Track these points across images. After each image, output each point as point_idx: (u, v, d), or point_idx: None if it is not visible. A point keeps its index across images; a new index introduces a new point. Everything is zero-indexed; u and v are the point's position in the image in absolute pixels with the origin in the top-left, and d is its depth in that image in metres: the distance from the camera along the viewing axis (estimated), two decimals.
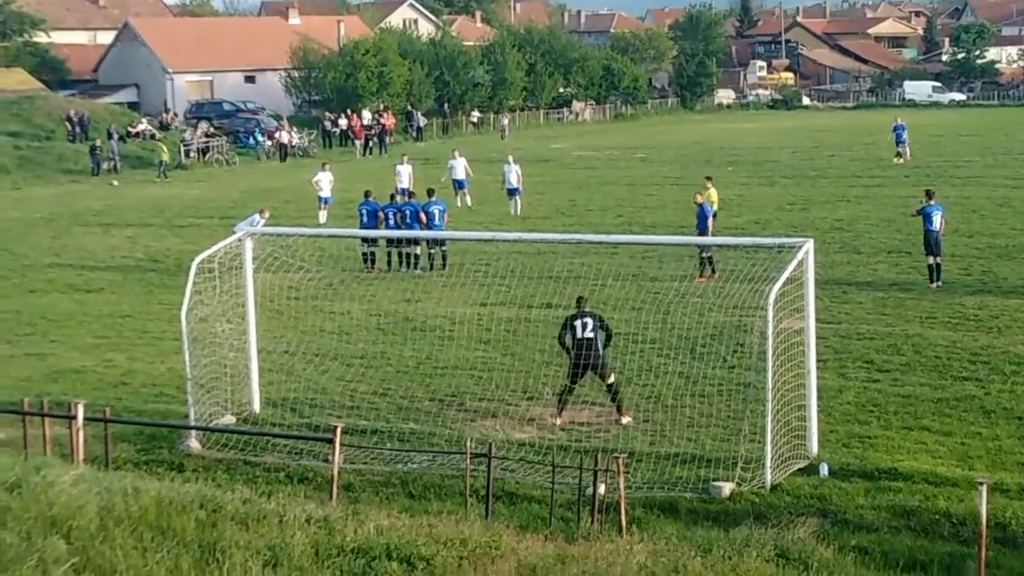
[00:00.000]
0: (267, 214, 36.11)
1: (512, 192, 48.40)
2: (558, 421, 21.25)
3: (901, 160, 63.40)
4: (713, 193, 37.68)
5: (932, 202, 32.65)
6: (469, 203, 50.40)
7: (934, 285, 31.65)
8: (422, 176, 55.63)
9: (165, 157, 72.48)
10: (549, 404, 22.19)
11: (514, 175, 48.30)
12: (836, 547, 15.06)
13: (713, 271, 32.15)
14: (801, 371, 19.23)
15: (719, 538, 14.84)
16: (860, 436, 20.10)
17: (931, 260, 32.13)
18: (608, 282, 29.80)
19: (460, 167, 51.36)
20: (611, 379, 21.43)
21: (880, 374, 23.85)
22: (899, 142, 65.26)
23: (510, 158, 49.80)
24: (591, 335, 21.15)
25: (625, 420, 21.07)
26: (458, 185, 51.04)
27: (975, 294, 30.77)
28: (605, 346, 21.50)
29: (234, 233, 23.15)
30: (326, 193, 46.40)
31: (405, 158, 52.36)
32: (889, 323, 28.10)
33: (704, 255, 32.80)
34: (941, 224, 32.41)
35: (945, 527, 16.30)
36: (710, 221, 34.28)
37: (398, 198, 38.83)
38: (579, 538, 14.56)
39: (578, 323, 21.27)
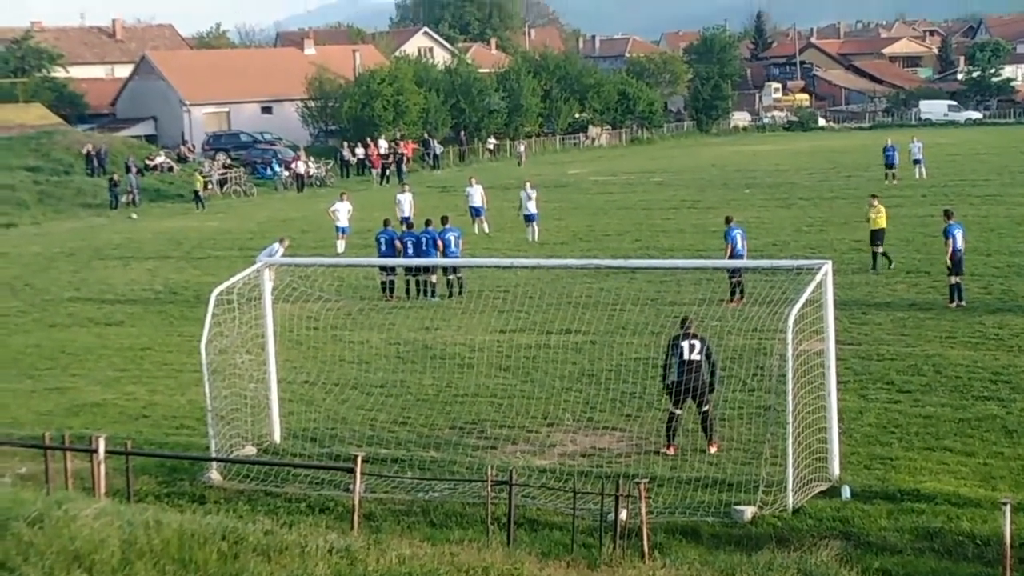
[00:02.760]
0: (286, 243, 36.25)
1: (529, 219, 48.44)
2: (670, 452, 20.66)
3: (896, 181, 63.20)
4: (882, 212, 38.08)
5: (952, 221, 32.71)
6: (487, 230, 50.46)
7: (954, 305, 31.56)
8: (440, 204, 55.84)
9: (199, 187, 72.58)
10: (569, 430, 22.18)
11: (532, 202, 48.35)
12: (859, 570, 15.02)
13: (742, 295, 32.05)
14: (822, 393, 19.18)
15: (742, 562, 14.80)
16: (882, 457, 20.03)
17: (953, 280, 32.05)
18: (627, 307, 29.85)
19: (477, 194, 51.45)
20: (707, 407, 20.80)
21: (901, 395, 23.77)
22: (890, 164, 65.15)
23: (527, 184, 49.85)
24: (697, 357, 20.58)
25: (713, 449, 20.64)
26: (475, 212, 51.13)
27: (995, 313, 30.66)
28: (712, 374, 20.92)
29: (255, 264, 23.19)
30: (343, 223, 46.54)
31: (406, 187, 52.53)
32: (909, 343, 28.01)
33: (734, 279, 32.70)
34: (963, 243, 32.57)
35: (969, 548, 16.21)
36: (739, 245, 34.16)
37: (401, 227, 38.93)
38: (601, 564, 14.53)
39: (685, 344, 20.66)
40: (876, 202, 38.39)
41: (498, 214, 53.54)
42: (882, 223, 37.81)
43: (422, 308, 34.41)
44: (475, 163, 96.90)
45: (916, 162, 66.57)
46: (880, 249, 37.55)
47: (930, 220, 43.87)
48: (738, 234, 34.42)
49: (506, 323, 29.69)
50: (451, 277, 36.39)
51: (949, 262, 32.24)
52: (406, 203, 47.60)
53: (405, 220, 42.40)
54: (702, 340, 20.91)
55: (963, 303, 31.61)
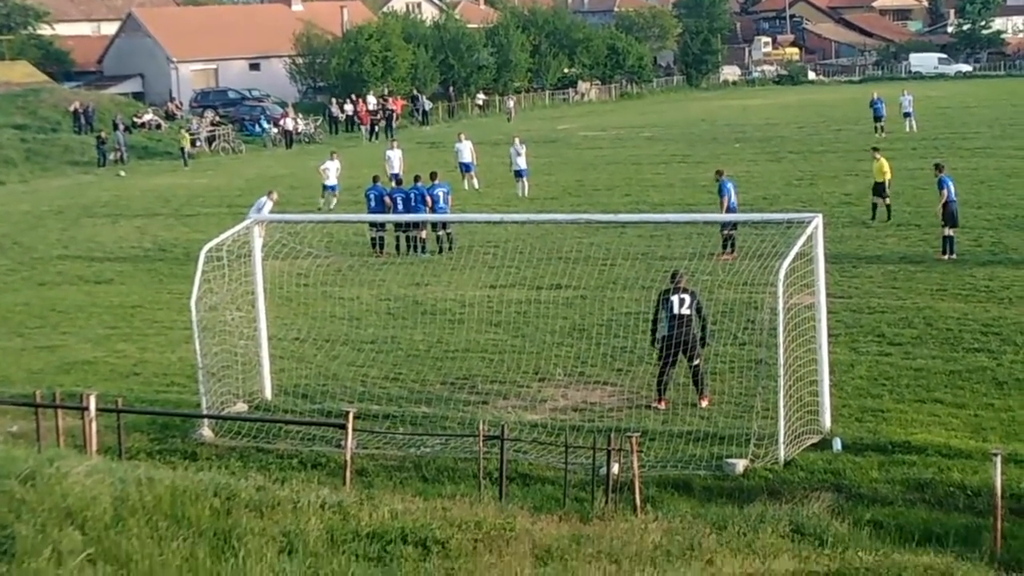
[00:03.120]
0: (275, 196, 36.32)
1: (519, 174, 48.33)
2: (661, 406, 20.68)
3: (884, 135, 63.12)
4: (884, 164, 38.08)
5: (943, 174, 32.85)
6: (476, 186, 50.35)
7: (946, 257, 31.66)
8: (429, 160, 55.71)
9: (186, 144, 72.56)
10: (560, 384, 22.20)
11: (521, 157, 48.22)
12: (851, 521, 15.07)
13: (733, 248, 32.00)
14: (812, 346, 19.21)
15: (734, 515, 14.84)
16: (873, 410, 20.08)
17: (947, 231, 32.13)
18: (618, 261, 29.84)
19: (466, 150, 51.28)
20: (697, 361, 20.75)
21: (892, 347, 23.81)
22: (878, 117, 65.09)
23: (516, 140, 49.73)
24: (688, 311, 20.52)
25: (704, 403, 20.65)
26: (465, 168, 50.99)
27: (985, 265, 30.69)
28: (703, 328, 20.84)
29: (244, 220, 23.12)
30: (332, 181, 46.43)
31: (395, 143, 52.33)
32: (900, 296, 28.04)
33: (726, 232, 32.68)
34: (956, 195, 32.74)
35: (960, 499, 16.28)
36: (733, 198, 34.21)
37: (390, 183, 38.83)
38: (594, 518, 14.57)
39: (675, 298, 20.56)
40: (878, 155, 38.48)
41: (487, 170, 53.42)
42: (879, 176, 37.80)
43: (412, 264, 34.40)
44: (464, 119, 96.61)
45: (906, 115, 66.40)
46: (885, 201, 37.70)
47: (920, 173, 43.84)
48: (731, 186, 34.43)
49: (496, 278, 29.67)
50: (440, 233, 36.33)
51: (942, 213, 32.27)
52: (395, 159, 47.43)
53: (394, 176, 42.29)
54: (692, 294, 20.90)
55: (954, 255, 31.64)
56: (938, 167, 33.58)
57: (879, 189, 37.81)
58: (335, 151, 50.25)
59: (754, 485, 17.23)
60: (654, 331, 21.10)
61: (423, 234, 36.15)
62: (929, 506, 16.22)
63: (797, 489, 16.80)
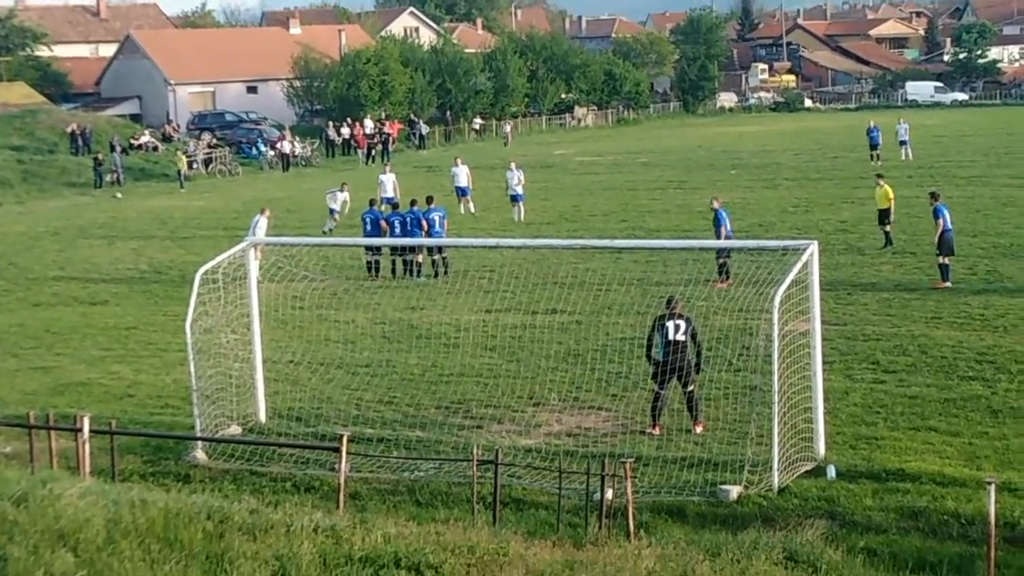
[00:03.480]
0: (268, 213, 36.58)
1: (515, 198, 48.37)
2: (656, 431, 20.69)
3: (879, 163, 63.25)
4: (889, 191, 38.21)
5: (939, 203, 32.87)
6: (472, 210, 50.40)
7: (945, 285, 31.66)
8: (425, 184, 55.75)
9: (183, 167, 72.69)
10: (555, 409, 22.18)
11: (516, 181, 48.26)
12: (845, 549, 15.03)
13: (728, 276, 31.98)
14: (807, 373, 19.20)
15: (727, 541, 14.80)
16: (867, 437, 20.06)
17: (944, 260, 32.15)
18: (613, 287, 29.83)
19: (463, 174, 51.36)
20: (691, 387, 20.80)
21: (886, 375, 23.81)
22: (874, 146, 65.25)
23: (513, 164, 49.80)
24: (683, 338, 20.58)
25: (698, 429, 20.66)
26: (461, 192, 51.05)
27: (980, 293, 30.72)
28: (698, 355, 20.93)
29: (240, 243, 23.11)
30: (336, 207, 46.12)
31: (387, 167, 52.42)
32: (894, 324, 28.05)
33: (721, 260, 32.67)
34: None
35: (954, 527, 16.25)
36: (729, 226, 34.13)
37: (383, 207, 38.81)
38: (587, 544, 14.53)
39: (670, 324, 20.64)
40: (882, 182, 38.59)
41: (483, 194, 53.49)
42: (883, 203, 37.86)
43: (407, 288, 34.38)
44: (461, 143, 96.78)
45: (902, 143, 66.56)
46: (885, 228, 37.86)
47: (915, 201, 43.87)
48: (725, 215, 34.43)
49: (492, 303, 29.67)
50: (436, 257, 36.34)
51: (938, 242, 32.28)
52: (389, 183, 47.44)
53: (389, 200, 42.25)
54: (688, 320, 20.92)
55: (949, 284, 31.67)
56: (934, 196, 33.55)
57: (883, 216, 37.85)
58: (346, 184, 49.38)
59: (748, 512, 17.20)
60: (649, 356, 21.13)
61: (419, 258, 36.17)
62: (923, 534, 16.19)
63: (791, 516, 16.78)
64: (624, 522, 15.65)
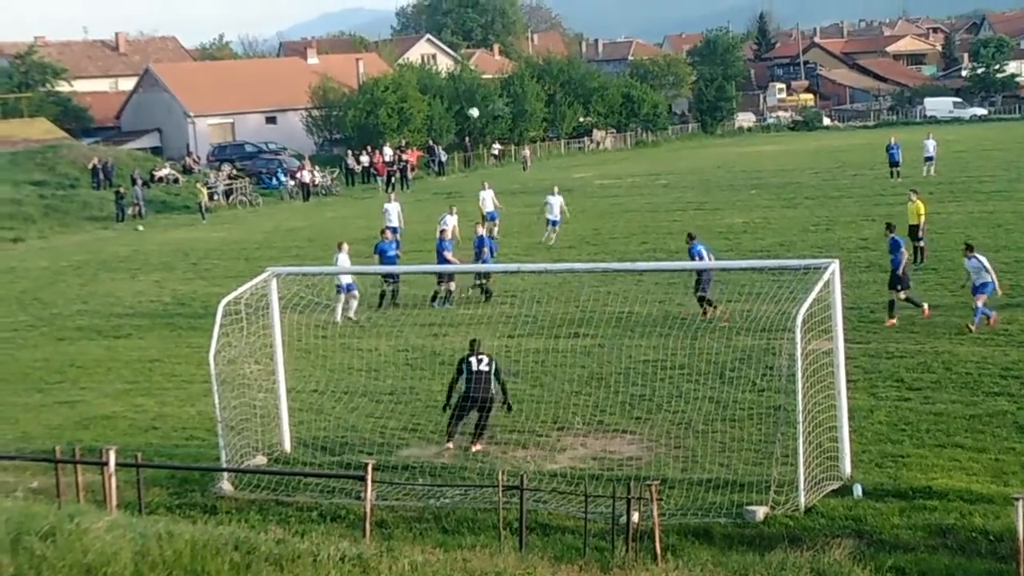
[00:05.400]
0: (346, 247, 35.45)
1: (552, 223, 48.72)
2: (450, 446, 22.03)
3: (900, 180, 63.17)
4: (921, 207, 38.07)
5: (894, 235, 31.26)
6: (496, 234, 50.44)
7: (895, 321, 29.90)
8: (444, 210, 55.75)
9: (204, 199, 73.03)
10: (579, 433, 22.18)
11: (556, 207, 48.78)
12: (872, 568, 15.00)
13: (712, 305, 31.55)
14: (831, 392, 19.17)
15: (755, 563, 14.79)
16: (893, 455, 20.01)
17: (902, 295, 30.29)
18: (635, 309, 29.80)
19: (489, 199, 51.69)
20: (488, 419, 22.18)
21: (911, 392, 23.75)
22: (894, 163, 65.18)
23: (555, 189, 50.37)
24: (486, 368, 21.99)
25: (476, 447, 21.85)
26: (489, 217, 51.17)
27: (1004, 309, 30.54)
28: (504, 392, 22.32)
29: (262, 273, 23.14)
30: (394, 223, 45.57)
31: (392, 196, 52.51)
32: (918, 341, 27.98)
33: (699, 294, 31.95)
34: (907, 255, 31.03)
35: (982, 544, 16.19)
36: (707, 258, 32.75)
37: (388, 235, 38.47)
38: (614, 567, 14.52)
39: (473, 359, 22.12)
40: (915, 197, 38.36)
41: (505, 219, 53.55)
42: (913, 219, 37.64)
43: (430, 314, 34.35)
44: (480, 169, 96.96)
45: (928, 159, 66.48)
46: (919, 243, 37.51)
47: (936, 217, 43.81)
48: (703, 249, 33.16)
49: (514, 328, 29.67)
50: (480, 283, 36.24)
51: (892, 276, 30.53)
52: (394, 212, 47.38)
53: (394, 230, 41.78)
54: (490, 359, 22.26)
55: (894, 320, 30.01)
56: (889, 227, 31.84)
57: (913, 231, 37.58)
58: (454, 207, 48.30)
59: (775, 532, 17.16)
60: (450, 394, 22.39)
61: (452, 285, 36.00)
62: (951, 552, 16.13)
63: (818, 536, 16.73)
64: (651, 545, 15.64)
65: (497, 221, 51.40)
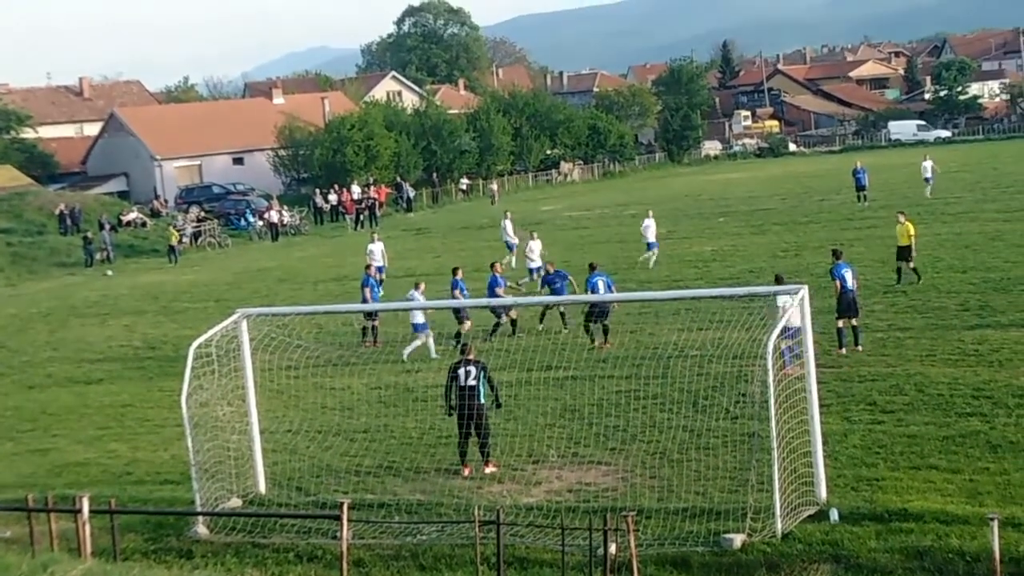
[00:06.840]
0: (422, 287, 34.88)
1: (650, 246, 49.00)
2: (466, 471, 22.17)
3: (866, 204, 63.67)
4: (910, 228, 38.13)
5: (840, 261, 30.72)
6: (513, 264, 50.37)
7: (845, 351, 29.42)
8: (415, 247, 55.84)
9: (175, 242, 72.91)
10: (554, 466, 22.16)
11: (652, 231, 48.90)
12: None
13: (606, 335, 32.05)
14: (805, 417, 19.20)
15: None
16: (868, 479, 20.05)
17: (843, 323, 29.86)
18: (606, 339, 29.81)
19: (509, 228, 52.39)
20: (487, 436, 22.38)
21: (884, 415, 23.81)
22: (860, 187, 65.67)
23: (649, 212, 51.12)
24: (473, 382, 22.14)
25: (488, 469, 22.14)
26: (510, 248, 51.68)
27: (974, 329, 30.74)
28: (496, 395, 22.66)
29: (233, 315, 23.07)
30: (379, 262, 45.91)
31: (375, 236, 52.42)
32: (890, 363, 28.07)
33: (597, 323, 32.28)
34: (854, 283, 30.39)
35: (959, 565, 16.22)
36: (600, 289, 33.14)
37: (373, 272, 38.44)
38: None
39: (461, 371, 22.26)
40: (903, 218, 38.53)
41: (475, 254, 53.56)
42: (903, 240, 37.81)
43: (400, 351, 34.27)
44: (448, 204, 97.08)
45: (927, 180, 67.29)
46: (909, 264, 37.63)
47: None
48: (600, 280, 33.54)
49: (487, 361, 29.60)
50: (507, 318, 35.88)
51: (837, 305, 29.97)
52: (378, 252, 47.41)
53: (379, 270, 41.95)
54: (480, 366, 22.45)
55: (859, 347, 29.79)
56: (835, 254, 31.32)
57: (903, 252, 37.76)
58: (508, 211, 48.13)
59: (752, 559, 17.16)
60: (448, 403, 22.56)
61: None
62: (928, 574, 16.16)
63: (796, 562, 16.75)
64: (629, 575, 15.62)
65: (515, 251, 51.58)
